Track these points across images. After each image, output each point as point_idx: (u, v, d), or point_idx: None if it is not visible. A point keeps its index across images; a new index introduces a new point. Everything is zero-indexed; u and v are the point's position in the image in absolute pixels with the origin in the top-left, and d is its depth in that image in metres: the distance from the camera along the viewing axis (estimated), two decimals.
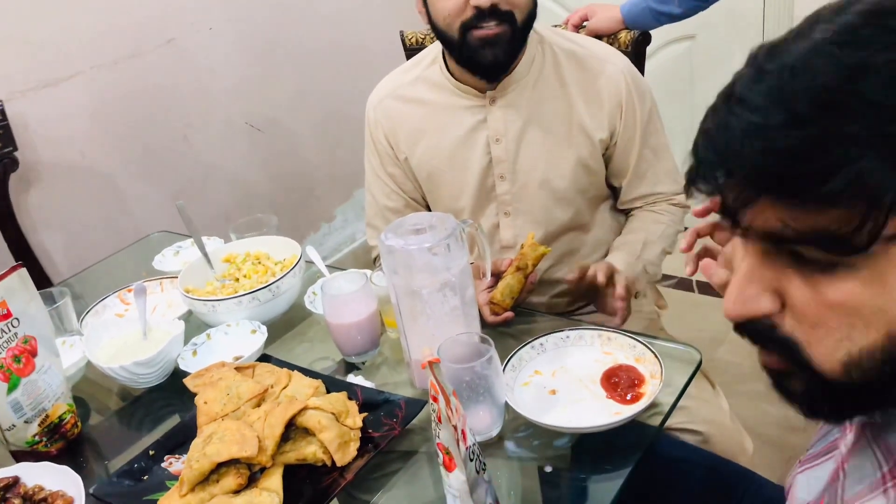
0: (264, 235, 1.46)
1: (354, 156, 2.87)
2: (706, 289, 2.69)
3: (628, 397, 1.03)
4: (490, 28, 1.25)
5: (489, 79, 1.34)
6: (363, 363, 1.21)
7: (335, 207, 2.90)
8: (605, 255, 1.43)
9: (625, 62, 1.39)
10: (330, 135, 2.77)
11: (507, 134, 1.37)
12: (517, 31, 1.28)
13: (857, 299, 0.47)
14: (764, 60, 0.48)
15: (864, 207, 0.44)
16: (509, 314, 1.22)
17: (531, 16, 1.30)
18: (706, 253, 0.93)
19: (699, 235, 0.95)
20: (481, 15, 1.24)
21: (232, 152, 2.50)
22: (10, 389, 1.05)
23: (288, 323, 1.36)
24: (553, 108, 1.36)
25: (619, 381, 1.06)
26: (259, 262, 1.39)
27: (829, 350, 0.50)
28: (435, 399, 0.77)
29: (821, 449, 0.68)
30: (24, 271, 1.08)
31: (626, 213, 1.51)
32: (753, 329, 0.53)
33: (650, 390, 1.03)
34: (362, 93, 2.93)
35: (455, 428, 0.77)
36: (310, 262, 1.44)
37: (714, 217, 0.87)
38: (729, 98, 0.49)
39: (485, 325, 1.17)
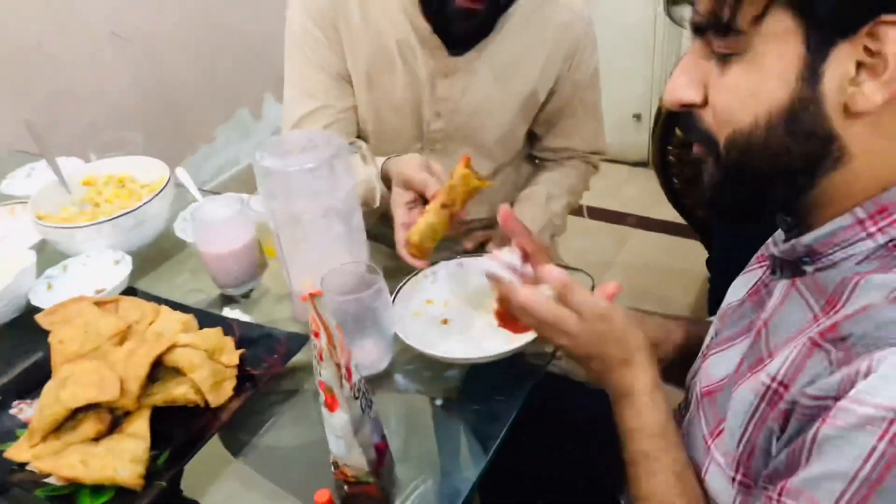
0: (129, 156, 1.32)
1: (236, 72, 2.70)
2: (595, 214, 2.72)
3: (521, 325, 0.99)
4: (474, 1, 1.10)
5: (450, 47, 1.19)
6: (242, 296, 1.12)
7: (216, 127, 2.72)
8: (511, 204, 1.38)
9: (584, 9, 1.28)
10: (208, 47, 2.57)
11: (456, 73, 1.24)
12: (500, 8, 1.15)
13: (738, 83, 0.58)
14: None
15: None
16: (423, 263, 1.05)
17: None
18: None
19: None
20: None
21: (96, 64, 2.27)
22: None
23: (162, 253, 1.25)
24: (507, 54, 1.25)
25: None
26: (123, 186, 1.26)
27: (723, 132, 0.61)
28: (316, 335, 0.71)
29: (733, 332, 0.73)
30: None
31: (535, 159, 1.46)
32: (686, 121, 0.64)
33: None
34: (245, 1, 2.71)
35: (338, 366, 0.71)
36: (182, 187, 1.32)
37: None
38: None
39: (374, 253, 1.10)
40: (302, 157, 0.94)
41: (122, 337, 0.95)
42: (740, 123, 0.59)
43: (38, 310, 1.03)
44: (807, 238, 0.63)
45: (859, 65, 0.54)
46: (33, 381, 0.95)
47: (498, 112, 1.29)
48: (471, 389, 0.96)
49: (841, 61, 0.55)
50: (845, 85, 0.55)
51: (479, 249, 1.25)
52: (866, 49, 0.54)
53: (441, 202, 1.01)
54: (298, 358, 0.98)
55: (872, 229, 0.59)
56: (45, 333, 0.98)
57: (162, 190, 1.19)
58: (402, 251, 1.06)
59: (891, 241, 0.58)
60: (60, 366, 0.92)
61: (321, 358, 0.71)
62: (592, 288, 1.09)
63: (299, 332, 1.01)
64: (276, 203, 0.95)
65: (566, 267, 1.17)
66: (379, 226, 1.22)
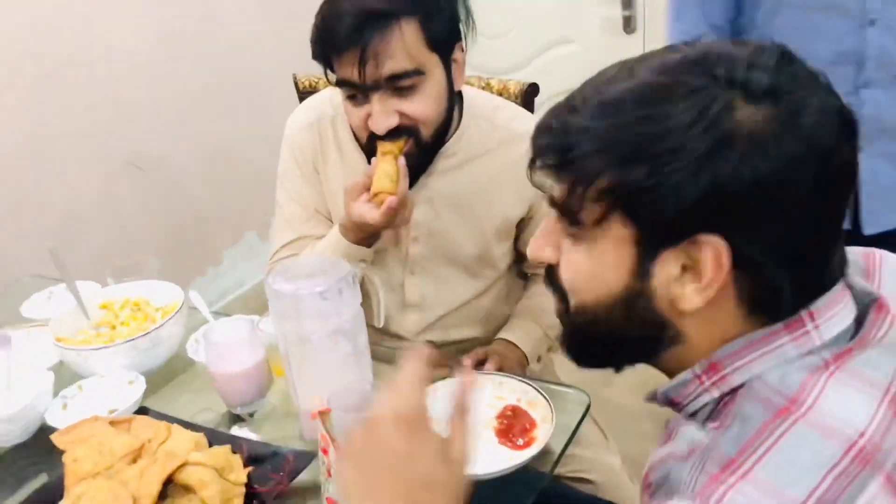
0: (144, 280, 1.39)
1: (243, 197, 2.81)
2: None
3: (520, 442, 1.03)
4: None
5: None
6: (250, 414, 1.16)
7: (223, 250, 2.81)
8: (501, 318, 1.43)
9: None
10: (218, 175, 2.70)
11: (418, 203, 1.29)
12: (425, 146, 1.22)
13: (582, 265, 0.66)
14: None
15: (575, 181, 0.62)
16: (393, 199, 1.14)
17: (445, 125, 1.24)
18: None
19: None
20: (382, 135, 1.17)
21: (111, 192, 2.38)
22: None
23: (170, 373, 1.29)
24: (463, 186, 1.31)
25: (511, 426, 1.05)
26: (138, 309, 1.32)
27: (571, 298, 0.68)
28: (325, 451, 0.75)
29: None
30: None
31: (526, 274, 1.51)
32: (548, 277, 0.72)
33: (541, 435, 1.03)
34: (253, 132, 2.86)
35: None
36: (194, 309, 1.38)
37: None
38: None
39: (378, 370, 1.14)
40: (311, 281, 1.00)
41: (135, 456, 0.98)
42: (584, 298, 0.66)
43: (52, 429, 1.06)
44: (661, 389, 0.68)
45: (684, 268, 0.60)
46: (45, 501, 0.98)
47: (471, 235, 1.34)
48: None
49: (668, 263, 0.60)
50: (671, 284, 0.61)
51: (479, 366, 1.30)
52: (689, 256, 0.59)
53: (381, 152, 1.17)
54: (302, 477, 1.00)
55: (707, 384, 0.64)
56: (59, 452, 1.00)
57: (176, 313, 1.25)
58: (381, 217, 1.16)
59: (722, 395, 0.63)
60: (74, 485, 0.95)
61: (329, 474, 0.74)
62: (588, 408, 1.13)
63: (305, 449, 1.04)
64: (287, 324, 1.01)
65: (560, 384, 1.20)
66: (380, 342, 1.27)
